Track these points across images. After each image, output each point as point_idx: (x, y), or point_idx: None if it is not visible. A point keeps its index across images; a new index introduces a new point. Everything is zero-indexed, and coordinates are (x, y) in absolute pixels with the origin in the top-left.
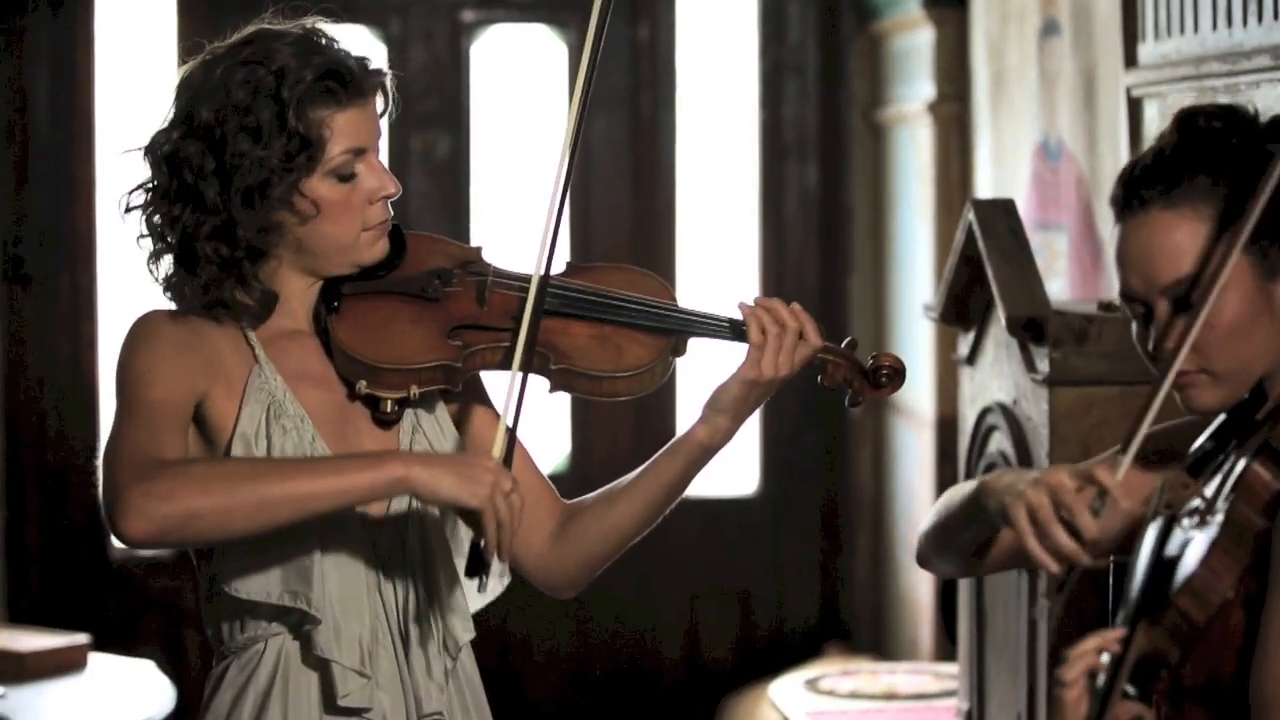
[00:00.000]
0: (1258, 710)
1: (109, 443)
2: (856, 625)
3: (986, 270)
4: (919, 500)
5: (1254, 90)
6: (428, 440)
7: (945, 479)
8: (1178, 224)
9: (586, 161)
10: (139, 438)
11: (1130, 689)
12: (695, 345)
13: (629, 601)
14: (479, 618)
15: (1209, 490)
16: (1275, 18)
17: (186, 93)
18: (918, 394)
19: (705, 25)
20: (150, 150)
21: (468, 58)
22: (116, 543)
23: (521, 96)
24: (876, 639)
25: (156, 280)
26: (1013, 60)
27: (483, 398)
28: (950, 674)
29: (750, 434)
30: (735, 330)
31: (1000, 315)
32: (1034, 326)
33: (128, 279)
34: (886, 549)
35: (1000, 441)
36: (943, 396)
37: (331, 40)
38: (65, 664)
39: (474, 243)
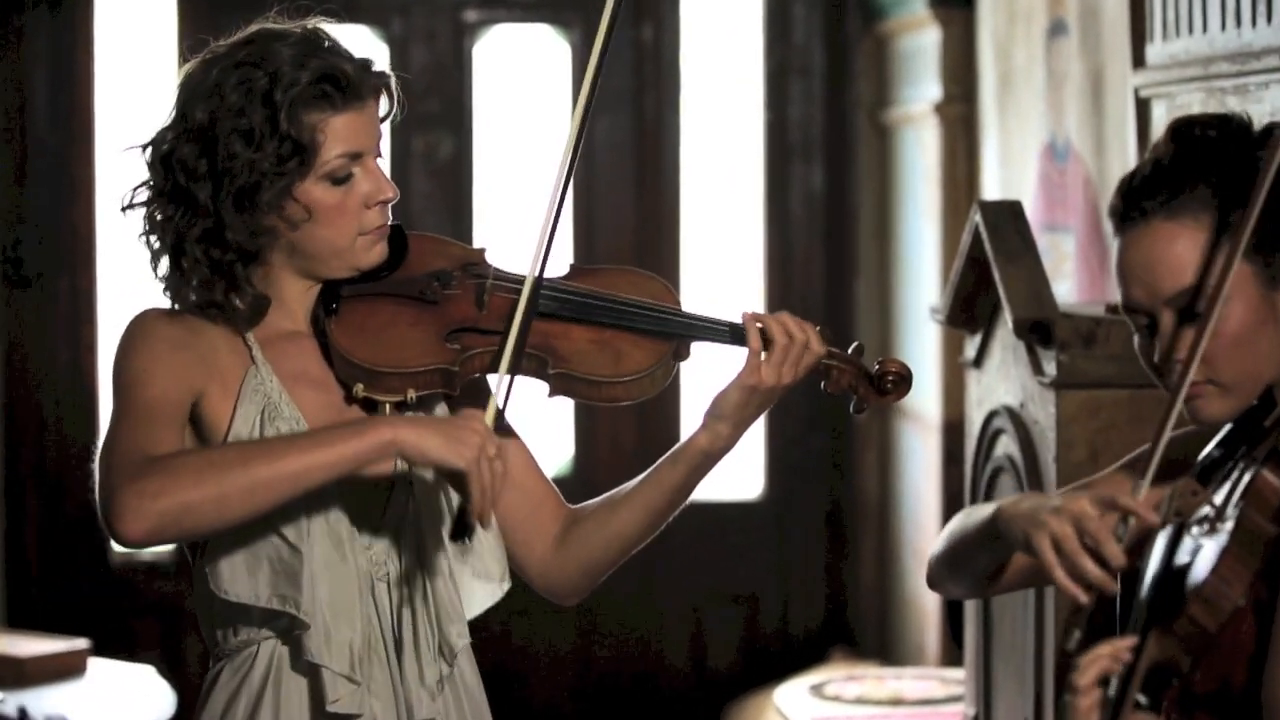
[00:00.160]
0: (1270, 718)
1: (104, 445)
2: (862, 630)
3: (993, 272)
4: (925, 504)
5: (1263, 91)
6: None
7: (951, 483)
8: (1179, 234)
9: (590, 163)
10: (134, 438)
11: (1141, 698)
12: (700, 349)
13: (633, 606)
14: (482, 622)
15: (1218, 498)
16: None
17: (184, 92)
18: (924, 397)
19: (710, 25)
20: (147, 149)
21: (470, 58)
22: (116, 546)
23: (524, 97)
24: (882, 644)
25: (158, 279)
26: (1020, 61)
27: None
28: (957, 679)
29: (755, 437)
30: (735, 334)
31: (1007, 318)
32: (1041, 329)
33: (128, 281)
34: (892, 553)
35: (1007, 445)
36: (949, 400)
37: (333, 42)
38: (65, 669)
39: (477, 244)
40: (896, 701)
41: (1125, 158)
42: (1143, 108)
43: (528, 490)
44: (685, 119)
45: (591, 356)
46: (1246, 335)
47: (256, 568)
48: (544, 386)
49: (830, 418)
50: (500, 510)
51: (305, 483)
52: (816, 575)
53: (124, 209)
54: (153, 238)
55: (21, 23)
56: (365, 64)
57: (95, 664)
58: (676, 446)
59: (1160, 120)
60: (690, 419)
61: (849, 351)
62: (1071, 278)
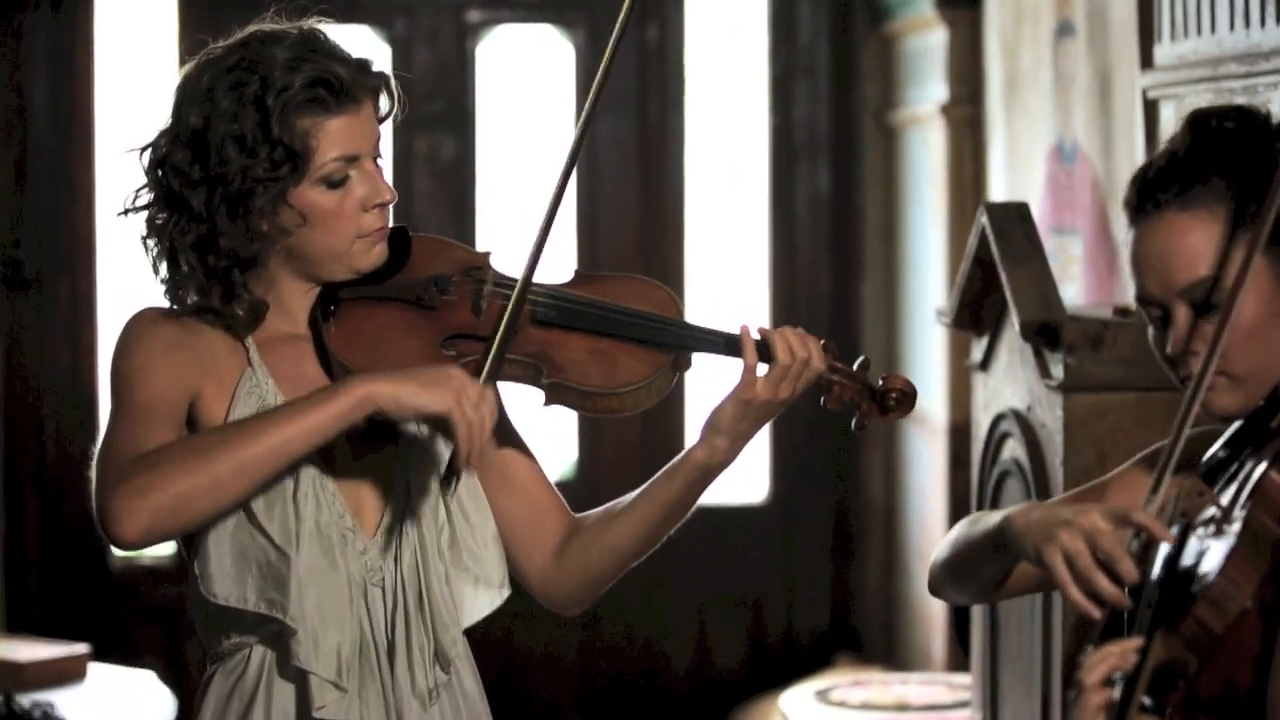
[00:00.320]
0: None
1: (100, 447)
2: (868, 635)
3: (1000, 275)
4: (931, 508)
5: (1272, 91)
6: (424, 450)
7: (958, 486)
8: (1193, 226)
9: (594, 165)
10: (128, 440)
11: (1146, 700)
12: (705, 359)
13: (637, 610)
14: (484, 627)
15: (1224, 498)
16: None
17: (179, 96)
18: (930, 400)
19: (715, 26)
20: (143, 154)
21: (473, 58)
22: (116, 551)
23: (528, 97)
24: (888, 649)
25: (159, 281)
26: (1027, 61)
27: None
28: (963, 684)
29: (760, 441)
30: (732, 347)
31: (1014, 320)
32: (1048, 332)
33: (128, 283)
34: (898, 557)
35: (1014, 448)
36: (955, 403)
37: (329, 43)
38: (65, 674)
39: (482, 247)
40: (902, 707)
41: (1133, 159)
42: (1151, 109)
43: (532, 497)
44: (690, 120)
45: (587, 367)
46: (1259, 328)
47: (245, 572)
48: (539, 396)
49: (835, 421)
50: (503, 516)
51: (292, 451)
52: (822, 579)
53: (122, 214)
54: (151, 242)
55: (21, 23)
56: (361, 65)
57: (95, 669)
58: (674, 460)
59: (1169, 121)
60: (695, 424)
61: (854, 367)
62: (1079, 280)
